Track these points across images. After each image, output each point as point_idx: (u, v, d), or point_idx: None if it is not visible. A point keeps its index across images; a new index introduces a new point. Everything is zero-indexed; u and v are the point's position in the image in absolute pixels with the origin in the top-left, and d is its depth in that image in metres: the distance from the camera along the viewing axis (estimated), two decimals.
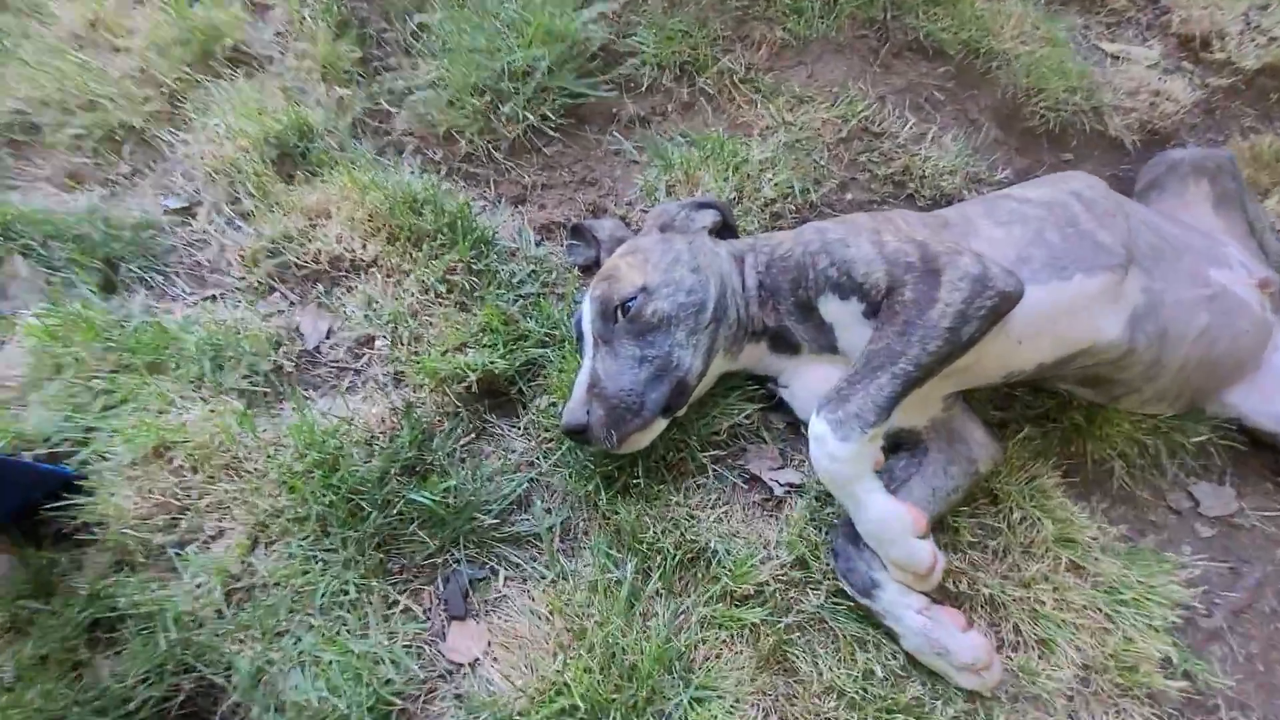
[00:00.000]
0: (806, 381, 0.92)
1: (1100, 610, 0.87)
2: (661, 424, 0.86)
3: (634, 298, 0.85)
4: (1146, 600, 0.88)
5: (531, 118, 1.12)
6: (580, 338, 0.90)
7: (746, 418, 0.96)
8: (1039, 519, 0.92)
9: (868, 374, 0.77)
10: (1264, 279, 0.99)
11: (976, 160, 1.19)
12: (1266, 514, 1.01)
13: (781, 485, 0.93)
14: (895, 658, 0.82)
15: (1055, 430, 1.00)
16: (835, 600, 0.85)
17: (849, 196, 1.15)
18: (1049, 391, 1.00)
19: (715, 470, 0.93)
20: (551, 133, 1.14)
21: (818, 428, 0.78)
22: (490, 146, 1.12)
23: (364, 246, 0.99)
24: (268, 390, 0.90)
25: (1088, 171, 1.25)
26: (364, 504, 0.82)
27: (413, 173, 1.08)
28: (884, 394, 0.76)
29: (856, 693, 0.80)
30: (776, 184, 1.10)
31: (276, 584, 0.79)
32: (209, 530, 0.81)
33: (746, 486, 0.94)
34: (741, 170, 1.11)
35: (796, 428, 0.96)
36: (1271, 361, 1.01)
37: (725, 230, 1.02)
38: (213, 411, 0.85)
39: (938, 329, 0.75)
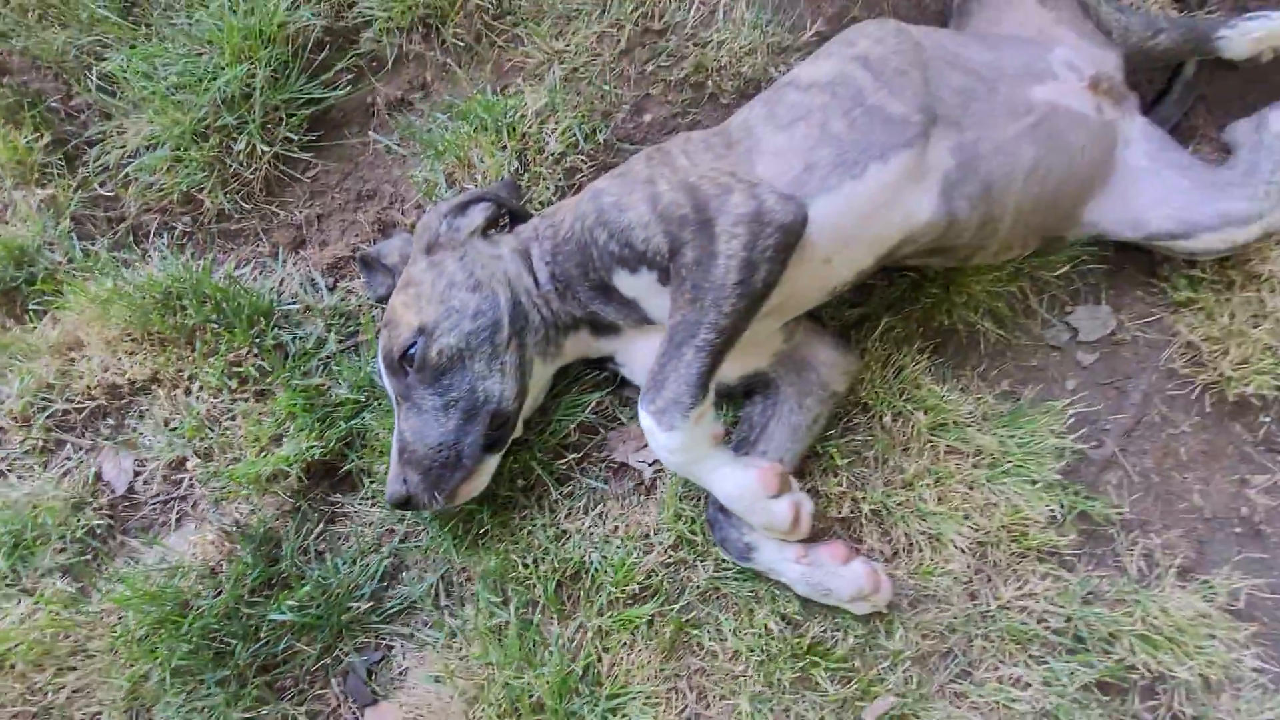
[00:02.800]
0: (641, 356, 0.86)
1: (984, 486, 0.86)
2: (493, 461, 0.80)
3: (413, 344, 0.77)
4: (1027, 463, 0.86)
5: (271, 147, 0.97)
6: (388, 395, 0.83)
7: (598, 407, 0.91)
8: (910, 412, 0.89)
9: (674, 352, 0.71)
10: (1094, 76, 0.89)
11: (776, 26, 1.04)
12: (1145, 321, 0.98)
13: (650, 466, 0.90)
14: (791, 603, 0.82)
15: (915, 310, 0.95)
16: (724, 567, 0.84)
17: (647, 118, 1.02)
18: (900, 270, 0.94)
19: (580, 473, 0.89)
20: (302, 155, 1.00)
21: (644, 422, 0.73)
22: (239, 196, 0.99)
23: (133, 366, 0.89)
24: (89, 556, 0.84)
25: None
26: (227, 639, 0.79)
27: (164, 258, 0.95)
28: (694, 371, 0.70)
29: (762, 649, 0.80)
30: (561, 134, 0.97)
31: None
32: (81, 719, 0.79)
33: (617, 477, 0.91)
34: (518, 130, 0.97)
35: None
36: (1124, 160, 0.93)
37: (514, 216, 0.91)
38: (36, 604, 0.80)
39: (726, 287, 0.68)
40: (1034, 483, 0.87)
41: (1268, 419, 0.94)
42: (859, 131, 0.76)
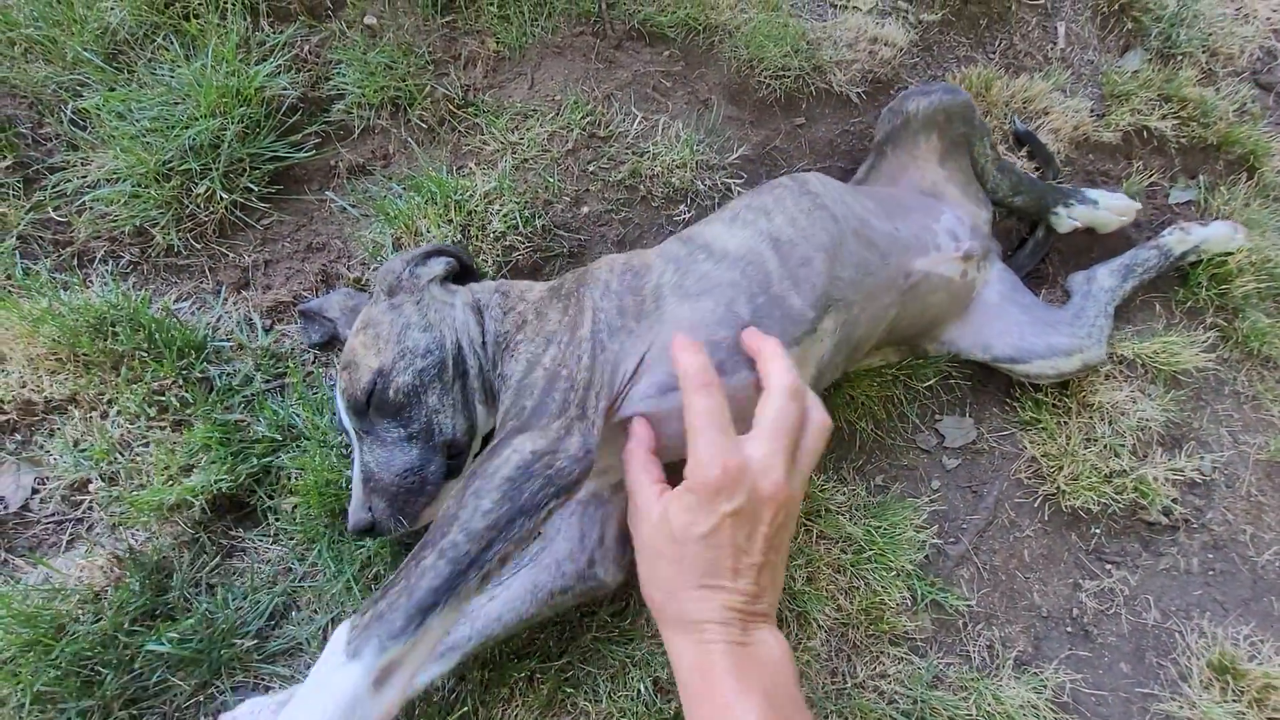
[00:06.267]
0: None
1: (847, 571, 0.95)
2: (452, 487, 0.84)
3: (374, 384, 0.81)
4: (888, 551, 0.96)
5: (231, 195, 1.04)
6: (346, 434, 0.87)
7: None
8: None
9: (415, 553, 0.61)
10: (968, 249, 1.03)
11: (707, 147, 1.20)
12: (1001, 434, 1.12)
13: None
14: (664, 670, 0.87)
15: None
16: (606, 629, 0.89)
17: (584, 210, 1.14)
18: None
19: None
20: (260, 204, 1.07)
21: (337, 633, 0.57)
22: (191, 235, 1.04)
23: (53, 385, 0.91)
24: None
25: (823, 131, 1.29)
26: (99, 668, 0.79)
27: (103, 284, 0.99)
28: (423, 583, 0.57)
29: (632, 712, 0.84)
30: (504, 215, 1.08)
31: None
32: None
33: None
34: (465, 208, 1.07)
35: None
36: (982, 296, 1.09)
37: (466, 274, 0.99)
38: None
39: (495, 480, 0.63)
40: (894, 571, 0.96)
41: (1098, 530, 1.07)
42: (760, 318, 0.78)
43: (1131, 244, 1.25)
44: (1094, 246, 1.28)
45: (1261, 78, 1.45)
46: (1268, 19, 1.47)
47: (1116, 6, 1.45)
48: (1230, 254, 1.19)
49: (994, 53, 1.40)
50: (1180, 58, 1.41)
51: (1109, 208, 1.18)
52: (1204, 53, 1.41)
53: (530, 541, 0.68)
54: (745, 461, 0.61)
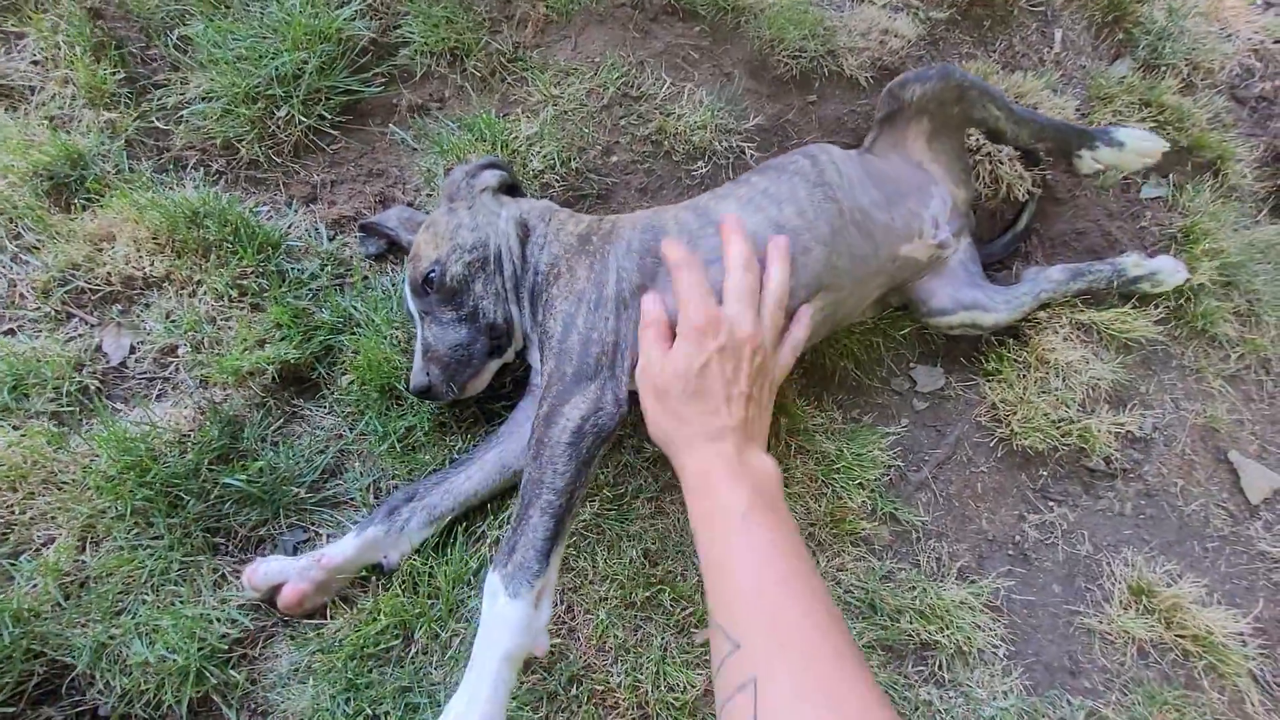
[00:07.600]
0: None
1: (818, 480, 1.09)
2: (495, 364, 0.99)
3: (432, 271, 0.97)
4: (856, 466, 1.10)
5: (307, 120, 1.19)
6: (411, 316, 1.03)
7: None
8: (776, 417, 1.12)
9: (523, 513, 0.80)
10: (942, 241, 1.12)
11: (726, 114, 1.34)
12: (966, 384, 1.26)
13: None
14: (654, 543, 1.02)
15: None
16: (606, 506, 1.04)
17: (613, 159, 1.29)
18: None
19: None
20: (331, 131, 1.22)
21: (491, 583, 0.77)
22: (271, 151, 1.19)
23: (153, 264, 1.06)
24: (76, 408, 0.99)
25: (832, 109, 1.43)
26: (182, 494, 0.94)
27: (196, 187, 1.14)
28: (539, 535, 0.78)
29: (625, 577, 0.99)
30: (543, 156, 1.22)
31: (108, 574, 0.90)
32: (37, 539, 0.91)
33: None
34: (510, 147, 1.22)
35: None
36: (948, 264, 1.21)
37: (513, 190, 1.13)
38: (22, 435, 0.94)
39: (559, 447, 0.81)
40: (860, 485, 1.10)
41: (1044, 472, 1.21)
42: None
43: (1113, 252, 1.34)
44: (1075, 243, 1.41)
45: (1239, 92, 1.58)
46: (1248, 39, 1.60)
47: (1110, 18, 1.59)
48: (1176, 288, 1.27)
49: (994, 51, 1.54)
50: (1164, 69, 1.54)
51: (1134, 150, 1.14)
52: (1186, 65, 1.55)
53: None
54: (721, 312, 0.81)
